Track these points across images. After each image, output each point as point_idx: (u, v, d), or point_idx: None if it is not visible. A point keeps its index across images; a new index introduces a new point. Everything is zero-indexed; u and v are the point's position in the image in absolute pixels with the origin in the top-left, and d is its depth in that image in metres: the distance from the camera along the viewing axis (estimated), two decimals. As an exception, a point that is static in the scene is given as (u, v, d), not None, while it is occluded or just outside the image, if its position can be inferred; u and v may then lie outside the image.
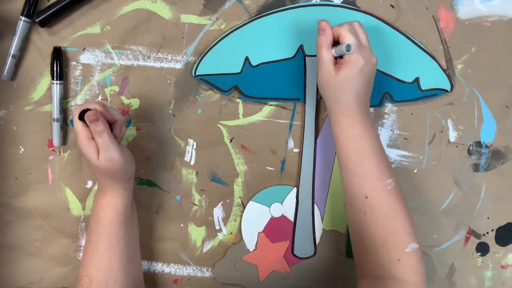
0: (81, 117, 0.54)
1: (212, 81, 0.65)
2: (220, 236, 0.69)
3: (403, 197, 0.57)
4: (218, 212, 0.68)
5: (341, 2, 0.65)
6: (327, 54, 0.56)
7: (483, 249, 0.69)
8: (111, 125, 0.56)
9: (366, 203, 0.56)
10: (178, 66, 0.66)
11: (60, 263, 0.68)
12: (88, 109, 0.54)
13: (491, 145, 0.68)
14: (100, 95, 0.66)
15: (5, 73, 0.64)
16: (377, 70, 0.64)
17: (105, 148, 0.54)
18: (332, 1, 0.65)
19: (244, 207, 0.68)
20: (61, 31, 0.64)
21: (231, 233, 0.69)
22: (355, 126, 0.57)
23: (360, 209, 0.56)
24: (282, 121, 0.67)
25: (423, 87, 0.65)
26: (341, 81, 0.56)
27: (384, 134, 0.67)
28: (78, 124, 0.55)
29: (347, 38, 0.55)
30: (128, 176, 0.58)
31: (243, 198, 0.68)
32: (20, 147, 0.66)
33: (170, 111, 0.66)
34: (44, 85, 0.65)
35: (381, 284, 0.55)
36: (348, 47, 0.53)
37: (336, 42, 0.57)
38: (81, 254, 0.68)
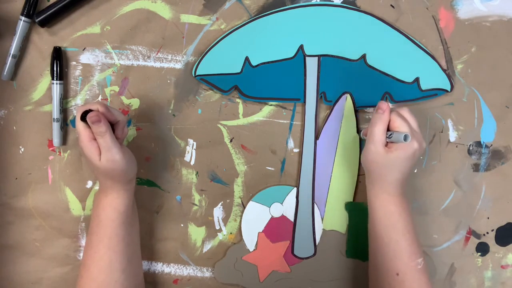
0: (83, 117, 0.54)
1: (212, 81, 0.66)
2: (220, 236, 0.69)
3: (429, 274, 0.60)
4: (218, 212, 0.69)
5: (341, 2, 0.65)
6: (381, 135, 0.57)
7: (483, 249, 0.70)
8: (113, 125, 0.56)
9: (396, 280, 0.58)
10: (178, 66, 0.66)
11: (60, 263, 0.68)
12: (90, 110, 0.54)
13: (491, 145, 0.68)
14: (100, 95, 0.66)
15: (5, 73, 0.64)
16: (377, 70, 0.65)
17: (107, 149, 0.54)
18: (332, 1, 0.65)
19: (244, 207, 0.69)
20: (61, 31, 0.65)
21: (231, 233, 0.69)
22: (395, 203, 0.59)
23: (390, 284, 0.59)
24: (282, 121, 0.67)
25: (423, 87, 0.65)
26: (391, 161, 0.57)
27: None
28: (80, 125, 0.55)
29: (401, 126, 0.57)
30: (130, 177, 0.59)
31: (243, 198, 0.68)
32: (20, 147, 0.66)
33: (170, 111, 0.67)
34: (44, 85, 0.66)
35: None
36: (406, 137, 0.55)
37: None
38: (81, 254, 0.68)
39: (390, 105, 0.60)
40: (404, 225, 0.59)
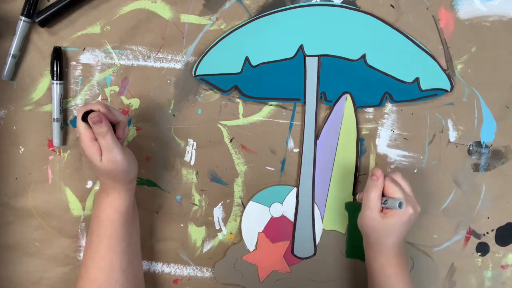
0: (84, 118, 0.54)
1: (212, 81, 0.66)
2: (220, 236, 0.69)
3: None
4: (218, 212, 0.69)
5: (341, 2, 0.65)
6: (376, 201, 0.60)
7: (483, 249, 0.70)
8: (114, 126, 0.56)
9: None
10: (178, 66, 0.66)
11: (60, 263, 0.68)
12: (91, 110, 0.54)
13: (491, 145, 0.68)
14: (100, 95, 0.66)
15: (5, 73, 0.64)
16: (377, 70, 0.65)
17: (108, 149, 0.55)
18: (332, 1, 0.65)
19: (244, 207, 0.69)
20: (61, 31, 0.65)
21: (231, 233, 0.69)
22: (392, 265, 0.61)
23: None
24: (282, 121, 0.67)
25: (423, 87, 0.65)
26: (387, 227, 0.59)
27: (384, 134, 0.67)
28: (81, 126, 0.55)
29: (395, 192, 0.59)
30: (131, 178, 0.59)
31: (243, 198, 0.68)
32: (20, 147, 0.66)
33: (170, 111, 0.67)
34: (44, 85, 0.66)
35: None
36: (401, 205, 0.57)
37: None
38: (81, 254, 0.68)
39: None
40: (402, 286, 0.60)
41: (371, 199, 0.60)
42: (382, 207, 0.60)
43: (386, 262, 0.61)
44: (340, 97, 0.67)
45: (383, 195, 0.60)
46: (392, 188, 0.60)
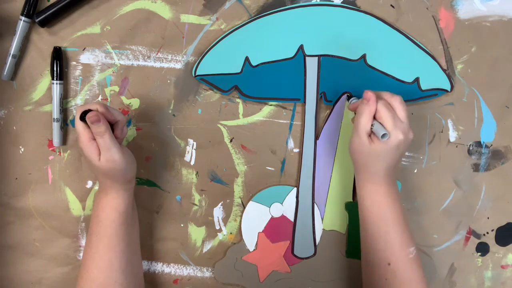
0: (83, 117, 0.54)
1: (212, 81, 0.66)
2: (220, 236, 0.69)
3: (421, 263, 0.60)
4: (218, 212, 0.69)
5: (341, 2, 0.65)
6: (365, 125, 0.57)
7: (483, 249, 0.70)
8: (112, 125, 0.57)
9: (388, 270, 0.58)
10: (178, 66, 0.66)
11: (60, 263, 0.69)
12: (89, 110, 0.54)
13: (491, 145, 0.68)
14: (100, 95, 0.66)
15: (5, 73, 0.64)
16: (377, 70, 0.65)
17: (106, 149, 0.55)
18: (332, 1, 0.65)
19: (244, 207, 0.69)
20: (61, 31, 0.65)
21: (231, 233, 0.69)
22: (381, 193, 0.59)
23: (381, 275, 0.59)
24: (282, 121, 0.67)
25: (423, 87, 0.65)
26: (375, 152, 0.57)
27: (384, 134, 0.67)
28: (79, 125, 0.55)
29: (385, 118, 0.56)
30: (129, 177, 0.59)
31: (243, 198, 0.68)
32: (20, 147, 0.66)
33: (170, 111, 0.67)
34: (44, 85, 0.66)
35: None
36: (384, 136, 0.55)
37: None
38: (81, 254, 0.68)
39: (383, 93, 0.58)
40: (393, 215, 0.59)
41: (360, 123, 0.57)
42: (372, 132, 0.57)
43: (374, 188, 0.59)
44: (340, 97, 0.67)
45: (375, 118, 0.57)
46: (383, 112, 0.56)
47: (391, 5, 0.66)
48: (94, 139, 0.55)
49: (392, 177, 0.60)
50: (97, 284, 0.59)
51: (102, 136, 0.54)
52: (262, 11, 0.65)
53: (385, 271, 0.58)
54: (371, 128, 0.57)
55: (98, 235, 0.59)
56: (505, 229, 0.70)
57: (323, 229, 0.69)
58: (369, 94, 0.57)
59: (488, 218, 0.69)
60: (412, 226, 0.68)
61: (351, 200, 0.69)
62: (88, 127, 0.55)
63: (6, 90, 0.66)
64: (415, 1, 0.66)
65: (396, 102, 0.58)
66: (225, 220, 0.69)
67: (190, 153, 0.68)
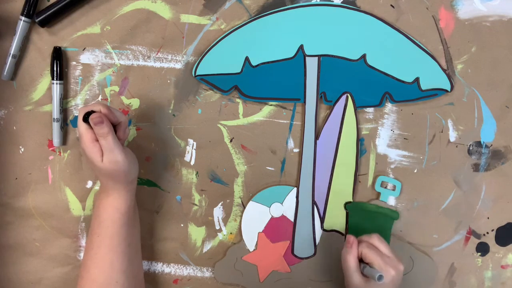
0: (85, 119, 0.54)
1: (212, 81, 0.66)
2: (220, 236, 0.69)
3: None
4: (218, 212, 0.69)
5: (341, 2, 0.65)
6: (354, 269, 0.60)
7: (483, 249, 0.70)
8: (114, 126, 0.57)
9: None
10: (178, 66, 0.66)
11: (60, 263, 0.69)
12: (92, 111, 0.54)
13: (491, 145, 0.68)
14: (100, 95, 0.67)
15: (5, 73, 0.64)
16: (377, 70, 0.65)
17: (109, 150, 0.55)
18: (332, 1, 0.65)
19: (244, 207, 0.69)
20: (61, 31, 0.65)
21: (231, 233, 0.69)
22: None
23: None
24: (282, 121, 0.68)
25: (423, 87, 0.66)
26: None
27: (384, 134, 0.68)
28: (82, 126, 0.55)
29: (373, 259, 0.59)
30: (131, 178, 0.59)
31: (243, 198, 0.69)
32: (20, 147, 0.67)
33: (170, 111, 0.67)
34: (44, 85, 0.66)
35: None
36: (380, 278, 0.57)
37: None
38: (81, 254, 0.69)
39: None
40: None
41: (349, 267, 0.60)
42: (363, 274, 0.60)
43: None
44: (340, 97, 0.67)
45: (363, 261, 0.61)
46: (369, 255, 0.60)
47: (391, 5, 0.66)
48: (97, 140, 0.56)
49: None
50: (98, 284, 0.59)
51: (105, 138, 0.55)
52: (262, 11, 0.66)
53: None
54: (364, 272, 0.60)
55: (99, 236, 0.59)
56: (505, 229, 0.70)
57: (323, 229, 0.70)
58: (351, 239, 0.61)
59: (488, 218, 0.70)
60: (412, 226, 0.69)
61: (351, 200, 0.69)
62: (91, 128, 0.55)
63: (6, 90, 0.66)
64: (415, 1, 0.66)
65: (375, 241, 0.61)
66: (225, 220, 0.70)
67: (190, 153, 0.68)
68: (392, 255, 0.61)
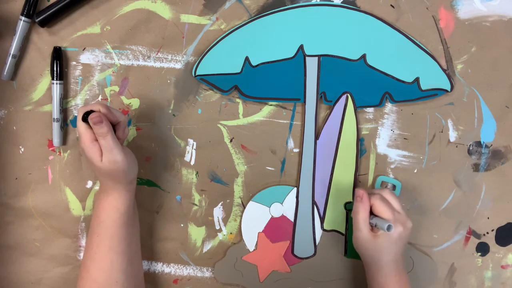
0: (85, 118, 0.54)
1: (212, 81, 0.66)
2: (220, 236, 0.70)
3: None
4: (218, 212, 0.69)
5: (341, 2, 0.65)
6: (364, 223, 0.61)
7: (483, 249, 0.70)
8: (114, 126, 0.57)
9: None
10: (178, 66, 0.66)
11: (60, 263, 0.69)
12: (91, 111, 0.54)
13: (491, 145, 0.68)
14: (100, 95, 0.67)
15: (5, 73, 0.64)
16: (377, 70, 0.65)
17: (108, 150, 0.55)
18: (332, 1, 0.65)
19: (244, 207, 0.69)
20: (61, 31, 0.65)
21: (231, 233, 0.70)
22: (392, 283, 0.61)
23: None
24: (282, 121, 0.68)
25: (423, 87, 0.66)
26: (380, 246, 0.60)
27: (384, 134, 0.68)
28: (81, 126, 0.55)
29: (384, 211, 0.60)
30: (131, 178, 0.59)
31: (243, 198, 0.69)
32: (20, 147, 0.67)
33: (170, 111, 0.67)
34: (44, 85, 0.66)
35: None
36: (389, 228, 0.57)
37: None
38: (81, 254, 0.69)
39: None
40: None
41: (359, 220, 0.61)
42: (373, 227, 0.61)
43: (384, 281, 0.61)
44: (340, 97, 0.67)
45: (373, 214, 0.61)
46: (380, 207, 0.60)
47: (391, 5, 0.66)
48: (96, 140, 0.56)
49: (400, 264, 0.62)
50: (98, 284, 0.59)
51: (104, 137, 0.55)
52: (262, 11, 0.66)
53: None
54: (375, 225, 0.60)
55: (99, 236, 0.59)
56: (505, 229, 0.70)
57: (323, 229, 0.70)
58: (360, 192, 0.61)
59: (488, 218, 0.70)
60: (412, 226, 0.69)
61: (351, 200, 0.69)
62: (90, 128, 0.55)
63: (6, 90, 0.66)
64: (415, 1, 0.66)
65: (387, 194, 0.62)
66: (225, 220, 0.70)
67: (190, 153, 0.68)
68: (402, 211, 0.61)
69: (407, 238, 0.61)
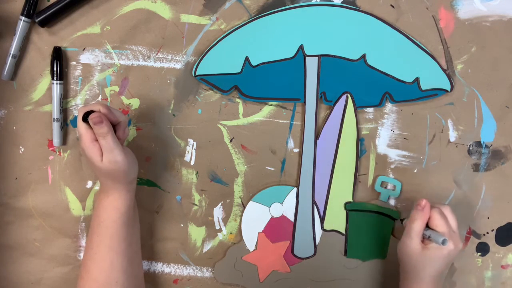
0: (85, 118, 0.54)
1: (212, 81, 0.66)
2: (220, 236, 0.70)
3: None
4: (218, 212, 0.69)
5: (341, 2, 0.65)
6: (418, 232, 0.60)
7: (483, 249, 0.70)
8: (114, 126, 0.57)
9: None
10: (178, 66, 0.66)
11: (60, 263, 0.69)
12: (91, 111, 0.54)
13: (491, 145, 0.68)
14: (100, 95, 0.67)
15: (5, 73, 0.64)
16: (377, 70, 0.65)
17: (109, 150, 0.55)
18: (332, 1, 0.65)
19: (244, 207, 0.69)
20: (61, 31, 0.65)
21: (231, 233, 0.70)
22: None
23: None
24: (282, 121, 0.68)
25: (423, 87, 0.66)
26: (426, 258, 0.60)
27: (384, 134, 0.68)
28: (81, 126, 0.55)
29: (441, 226, 0.59)
30: (131, 178, 0.59)
31: (243, 198, 0.69)
32: (20, 147, 0.67)
33: (170, 111, 0.67)
34: (44, 85, 0.66)
35: None
36: (444, 242, 0.57)
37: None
38: (81, 254, 0.69)
39: (428, 204, 0.61)
40: None
41: (414, 228, 0.60)
42: (424, 238, 0.60)
43: None
44: (340, 97, 0.67)
45: (427, 225, 0.61)
46: (438, 221, 0.60)
47: (391, 5, 0.66)
48: (96, 140, 0.56)
49: (440, 282, 0.62)
50: (98, 284, 0.59)
51: (104, 137, 0.55)
52: (262, 11, 0.66)
53: None
54: (428, 237, 0.60)
55: (99, 236, 0.60)
56: (505, 229, 0.70)
57: (323, 229, 0.70)
58: (423, 202, 0.60)
59: (488, 218, 0.70)
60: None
61: (351, 200, 0.69)
62: (90, 128, 0.55)
63: (6, 90, 0.66)
64: (415, 1, 0.66)
65: (447, 211, 0.61)
66: (225, 220, 0.70)
67: (190, 153, 0.68)
68: (457, 231, 0.61)
69: (453, 259, 0.61)
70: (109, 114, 0.56)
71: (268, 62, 0.66)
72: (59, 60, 0.65)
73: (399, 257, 0.63)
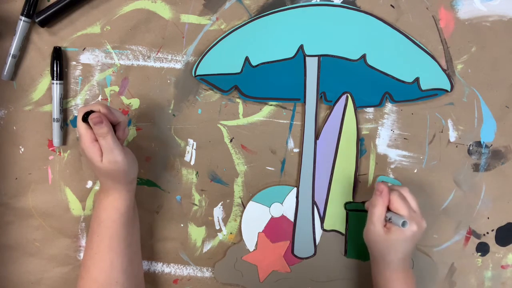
0: (85, 119, 0.54)
1: (212, 81, 0.66)
2: (220, 236, 0.70)
3: None
4: (218, 212, 0.69)
5: (341, 2, 0.65)
6: (379, 217, 0.60)
7: (483, 249, 0.70)
8: (114, 126, 0.57)
9: None
10: (178, 66, 0.66)
11: (60, 263, 0.69)
12: (91, 111, 0.54)
13: (491, 145, 0.68)
14: (100, 95, 0.67)
15: (5, 73, 0.64)
16: (377, 70, 0.65)
17: (108, 150, 0.55)
18: (332, 1, 0.65)
19: (244, 207, 0.69)
20: (61, 31, 0.65)
21: (231, 233, 0.70)
22: (398, 280, 0.61)
23: None
24: (282, 121, 0.68)
25: (423, 87, 0.66)
26: (391, 242, 0.60)
27: (384, 134, 0.68)
28: (81, 126, 0.55)
29: (401, 208, 0.59)
30: (131, 178, 0.59)
31: (243, 198, 0.69)
32: (20, 147, 0.67)
33: (170, 111, 0.67)
34: (44, 85, 0.66)
35: None
36: (404, 224, 0.57)
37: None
38: (81, 254, 0.69)
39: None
40: None
41: (375, 214, 0.60)
42: (386, 222, 0.60)
43: (390, 276, 0.61)
44: (340, 97, 0.67)
45: (389, 209, 0.61)
46: (397, 204, 0.60)
47: (391, 5, 0.66)
48: (96, 140, 0.56)
49: (407, 263, 0.62)
50: (98, 284, 0.59)
51: (104, 138, 0.55)
52: (262, 11, 0.66)
53: None
54: (389, 219, 0.60)
55: (99, 236, 0.60)
56: (505, 229, 0.70)
57: (323, 229, 0.70)
58: (381, 187, 0.60)
59: (488, 218, 0.70)
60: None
61: (351, 200, 0.69)
62: (90, 128, 0.55)
63: (6, 90, 0.66)
64: (415, 1, 0.66)
65: (406, 193, 0.61)
66: (225, 220, 0.70)
67: (190, 153, 0.69)
68: (418, 210, 0.61)
69: (419, 238, 0.61)
70: (109, 114, 0.56)
71: (268, 62, 0.66)
72: (59, 60, 0.65)
73: (366, 243, 0.63)
